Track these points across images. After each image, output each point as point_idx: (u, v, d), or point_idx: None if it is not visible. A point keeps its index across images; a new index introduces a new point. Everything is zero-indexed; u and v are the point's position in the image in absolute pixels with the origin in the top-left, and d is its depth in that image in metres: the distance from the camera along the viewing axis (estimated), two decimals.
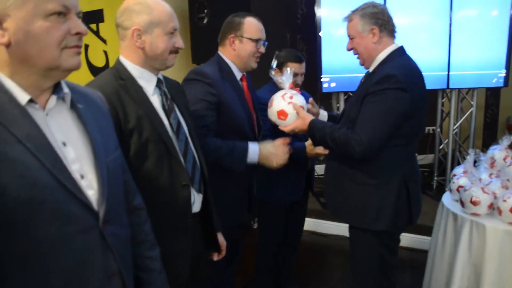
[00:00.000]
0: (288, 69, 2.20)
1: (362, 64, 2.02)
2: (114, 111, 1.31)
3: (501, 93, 5.08)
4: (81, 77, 1.76)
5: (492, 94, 5.18)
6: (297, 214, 2.74)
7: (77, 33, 0.95)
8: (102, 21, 2.96)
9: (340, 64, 3.77)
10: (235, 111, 1.98)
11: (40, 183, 0.85)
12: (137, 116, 1.37)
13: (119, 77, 1.41)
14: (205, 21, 3.36)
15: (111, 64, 2.93)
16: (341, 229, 3.63)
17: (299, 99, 2.04)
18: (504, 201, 2.15)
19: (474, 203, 2.22)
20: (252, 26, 2.04)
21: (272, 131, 2.30)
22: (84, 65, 2.88)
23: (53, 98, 0.95)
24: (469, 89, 4.31)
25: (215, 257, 1.71)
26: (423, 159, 4.98)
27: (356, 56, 2.01)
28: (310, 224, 3.89)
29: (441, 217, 2.53)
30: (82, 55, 2.86)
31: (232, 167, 1.91)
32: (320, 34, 3.75)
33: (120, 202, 1.06)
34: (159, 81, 1.48)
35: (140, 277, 1.17)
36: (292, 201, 2.63)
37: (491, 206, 2.22)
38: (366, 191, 1.94)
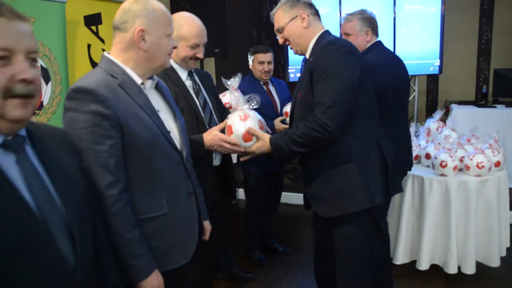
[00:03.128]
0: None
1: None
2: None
3: (439, 79, 5.85)
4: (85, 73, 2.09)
5: (432, 81, 5.92)
6: (276, 181, 3.32)
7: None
8: (101, 23, 3.37)
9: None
10: None
11: (155, 133, 1.37)
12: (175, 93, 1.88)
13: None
14: None
15: None
16: None
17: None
18: (471, 159, 2.82)
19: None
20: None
21: None
22: (87, 63, 3.29)
23: (149, 82, 1.46)
24: (411, 76, 5.02)
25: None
26: None
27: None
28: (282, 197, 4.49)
29: None
30: (86, 54, 3.28)
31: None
32: None
33: (189, 149, 1.59)
34: (189, 73, 2.00)
35: None
36: (271, 172, 3.20)
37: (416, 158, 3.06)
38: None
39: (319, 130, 1.70)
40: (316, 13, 1.94)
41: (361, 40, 2.45)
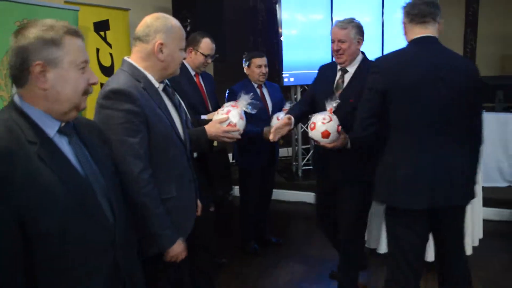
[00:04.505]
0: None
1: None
2: None
3: None
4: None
5: None
6: (267, 176, 3.61)
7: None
8: (108, 29, 3.64)
9: (298, 62, 4.65)
10: None
11: (168, 127, 1.64)
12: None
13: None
14: (188, 29, 4.11)
15: (116, 64, 3.64)
16: (299, 196, 4.64)
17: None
18: None
19: None
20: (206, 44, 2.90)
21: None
22: (96, 65, 3.55)
23: (161, 85, 1.71)
24: None
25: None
26: None
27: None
28: (275, 193, 4.76)
29: None
30: (95, 57, 3.54)
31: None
32: (281, 38, 4.59)
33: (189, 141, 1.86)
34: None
35: None
36: (262, 167, 3.49)
37: None
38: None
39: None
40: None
41: (354, 48, 2.49)
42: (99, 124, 1.45)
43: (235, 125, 2.19)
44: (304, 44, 4.68)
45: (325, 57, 4.53)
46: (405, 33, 2.12)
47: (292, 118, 2.59)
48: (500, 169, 4.27)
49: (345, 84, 2.51)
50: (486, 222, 3.73)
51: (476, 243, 3.21)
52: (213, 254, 3.27)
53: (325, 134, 2.29)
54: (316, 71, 2.78)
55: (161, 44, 1.63)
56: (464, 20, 5.75)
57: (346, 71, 2.54)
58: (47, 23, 1.13)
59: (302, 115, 2.77)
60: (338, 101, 2.36)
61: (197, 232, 2.16)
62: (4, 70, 2.65)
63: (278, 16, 4.62)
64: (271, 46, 5.27)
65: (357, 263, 2.79)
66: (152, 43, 1.63)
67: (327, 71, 2.66)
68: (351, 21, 2.53)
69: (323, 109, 2.41)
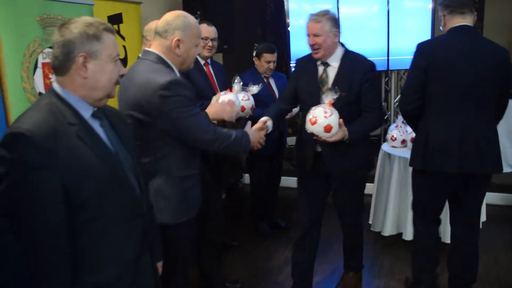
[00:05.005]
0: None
1: None
2: None
3: None
4: None
5: None
6: (275, 162, 3.78)
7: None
8: (121, 22, 3.76)
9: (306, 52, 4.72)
10: None
11: None
12: None
13: None
14: (198, 20, 4.23)
15: (130, 56, 3.76)
16: None
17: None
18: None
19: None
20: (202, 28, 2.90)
21: None
22: None
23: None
24: (406, 70, 5.38)
25: None
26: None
27: None
28: (283, 180, 4.89)
29: (382, 158, 3.60)
30: None
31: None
32: (288, 29, 4.70)
33: None
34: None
35: None
36: (270, 154, 3.63)
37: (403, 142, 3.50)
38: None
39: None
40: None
41: (330, 42, 2.38)
42: (120, 112, 1.60)
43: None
44: None
45: None
46: (444, 25, 2.38)
47: (269, 121, 2.44)
48: (504, 154, 4.35)
49: (330, 78, 2.43)
50: (490, 206, 3.86)
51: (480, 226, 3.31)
52: (221, 234, 3.45)
53: (328, 128, 2.23)
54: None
55: (178, 40, 1.79)
56: (432, 4, 5.72)
57: (328, 65, 2.44)
58: (87, 20, 1.27)
59: (282, 114, 2.70)
60: (339, 92, 2.27)
61: (209, 214, 2.35)
62: (27, 63, 2.79)
63: (285, 6, 4.72)
64: (279, 37, 5.36)
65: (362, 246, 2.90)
66: (170, 39, 1.79)
67: (306, 65, 2.55)
68: (326, 13, 2.39)
69: (309, 106, 2.34)
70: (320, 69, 2.47)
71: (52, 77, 3.01)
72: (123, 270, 1.31)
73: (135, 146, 1.50)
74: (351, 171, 2.54)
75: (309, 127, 2.28)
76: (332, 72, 2.43)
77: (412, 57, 2.35)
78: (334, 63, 2.43)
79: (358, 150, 2.49)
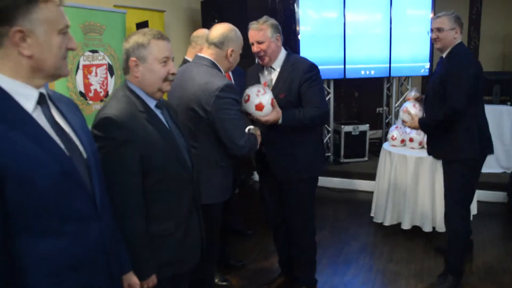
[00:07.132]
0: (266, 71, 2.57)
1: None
2: None
3: None
4: None
5: (427, 81, 6.62)
6: None
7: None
8: (148, 27, 4.15)
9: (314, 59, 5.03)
10: None
11: None
12: None
13: None
14: None
15: None
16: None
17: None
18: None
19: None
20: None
21: None
22: None
23: None
24: (406, 77, 5.74)
25: None
26: (375, 133, 6.24)
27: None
28: None
29: (382, 156, 3.96)
30: None
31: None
32: (298, 36, 5.04)
33: None
34: None
35: None
36: None
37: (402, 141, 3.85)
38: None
39: None
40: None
41: (274, 46, 2.49)
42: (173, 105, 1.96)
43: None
44: (319, 41, 4.92)
45: (337, 55, 4.91)
46: (455, 38, 2.77)
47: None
48: (496, 156, 4.70)
49: (273, 82, 2.54)
50: (482, 203, 4.21)
51: (471, 218, 3.66)
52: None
53: (259, 107, 2.31)
54: (330, 67, 3.04)
55: (232, 51, 2.22)
56: (468, 19, 6.12)
57: (273, 70, 2.55)
58: (143, 31, 1.64)
59: None
60: (271, 78, 2.47)
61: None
62: (70, 65, 3.15)
63: (296, 14, 4.99)
64: (289, 43, 5.70)
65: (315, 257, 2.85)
66: (225, 49, 2.21)
67: (253, 73, 2.65)
68: (266, 20, 2.50)
69: None
70: (266, 74, 2.54)
71: (90, 77, 3.39)
72: (179, 224, 1.68)
73: (186, 131, 1.88)
74: (294, 173, 2.56)
75: (243, 105, 2.36)
76: (275, 76, 2.55)
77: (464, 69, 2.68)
78: (277, 67, 2.55)
79: (303, 152, 2.55)
